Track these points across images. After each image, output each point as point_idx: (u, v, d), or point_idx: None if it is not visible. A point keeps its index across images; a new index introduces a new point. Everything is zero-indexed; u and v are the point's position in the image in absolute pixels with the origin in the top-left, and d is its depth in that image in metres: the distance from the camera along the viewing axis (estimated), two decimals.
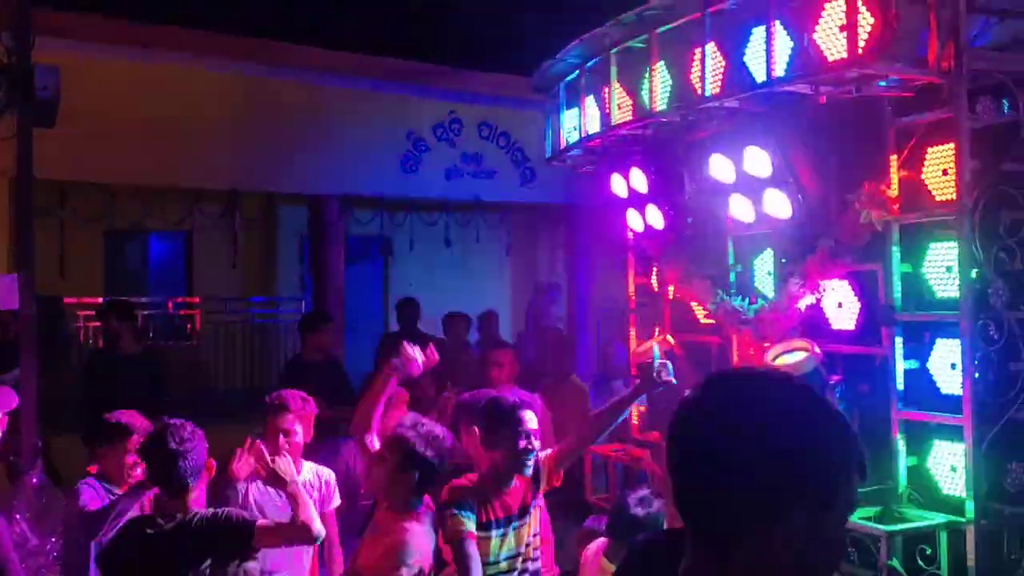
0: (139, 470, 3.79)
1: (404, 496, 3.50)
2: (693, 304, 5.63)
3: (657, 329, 5.82)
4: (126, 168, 9.39)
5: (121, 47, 9.21)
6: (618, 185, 5.61)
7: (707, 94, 4.46)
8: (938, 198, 4.13)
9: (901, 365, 4.22)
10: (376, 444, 3.84)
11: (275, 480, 3.48)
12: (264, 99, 10.22)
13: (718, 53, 4.44)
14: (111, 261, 11.82)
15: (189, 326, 11.69)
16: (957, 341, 3.97)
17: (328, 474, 4.35)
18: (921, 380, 4.19)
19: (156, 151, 9.41)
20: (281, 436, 4.11)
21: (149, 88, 9.46)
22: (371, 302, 13.11)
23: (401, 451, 3.49)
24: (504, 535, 3.61)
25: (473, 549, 3.41)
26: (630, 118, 5.08)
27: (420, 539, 3.40)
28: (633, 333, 6.15)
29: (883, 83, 4.01)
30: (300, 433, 4.18)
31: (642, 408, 6.00)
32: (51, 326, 8.79)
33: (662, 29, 4.74)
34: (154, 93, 9.48)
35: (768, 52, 4.07)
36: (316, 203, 11.17)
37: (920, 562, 3.99)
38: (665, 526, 3.80)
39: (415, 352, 3.97)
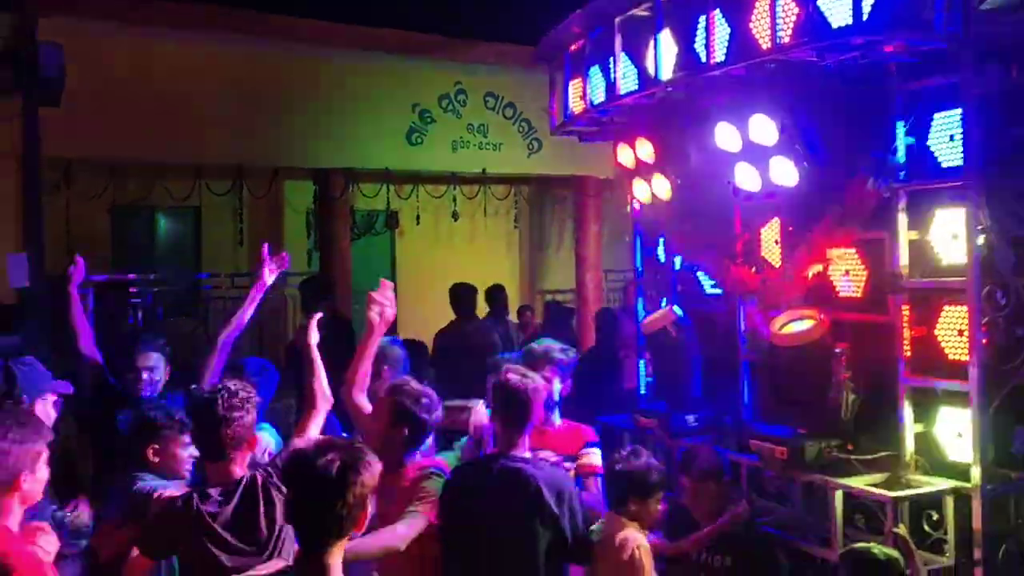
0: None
1: (395, 454, 3.55)
2: (700, 274, 5.64)
3: (664, 300, 5.83)
4: (132, 145, 9.40)
5: (125, 23, 9.18)
6: (624, 155, 5.59)
7: (712, 62, 4.44)
8: (944, 164, 4.11)
9: (908, 332, 4.23)
10: (367, 406, 3.89)
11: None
12: (269, 74, 10.20)
13: (723, 20, 4.41)
14: (118, 238, 11.85)
15: (197, 302, 11.73)
16: (964, 307, 3.97)
17: None
18: (927, 347, 4.20)
19: (162, 127, 9.41)
20: None
21: (154, 64, 9.45)
22: (378, 276, 13.12)
23: (392, 409, 3.55)
24: None
25: (424, 511, 3.45)
26: (635, 88, 5.06)
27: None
28: (641, 304, 6.16)
29: (889, 49, 3.98)
30: None
31: (649, 378, 6.03)
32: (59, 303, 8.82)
33: None
34: (159, 69, 9.47)
35: (773, 19, 4.04)
36: (322, 177, 11.17)
37: (927, 527, 4.02)
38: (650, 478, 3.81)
39: (385, 294, 4.00)
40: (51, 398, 3.60)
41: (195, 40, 9.69)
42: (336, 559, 2.40)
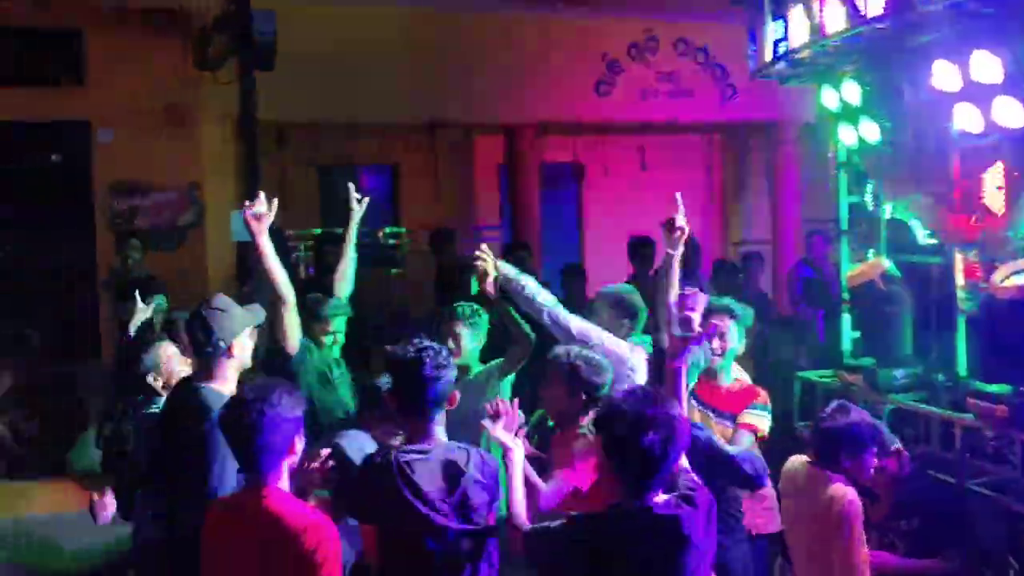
0: None
1: (574, 419, 3.64)
2: (912, 223, 5.32)
3: (871, 251, 5.56)
4: (336, 105, 9.84)
5: None
6: (829, 98, 5.35)
7: None
8: None
9: None
10: None
11: None
12: (460, 31, 10.38)
13: None
14: (325, 194, 12.49)
15: (396, 255, 12.20)
16: None
17: None
18: None
19: (362, 88, 9.80)
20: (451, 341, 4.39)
21: (354, 26, 9.82)
22: (565, 229, 13.22)
23: (566, 375, 3.63)
24: None
25: None
26: (843, 26, 4.79)
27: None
28: (845, 255, 5.90)
29: None
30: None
31: (856, 334, 5.79)
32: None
33: None
34: (359, 31, 9.84)
35: None
36: (511, 132, 11.30)
37: None
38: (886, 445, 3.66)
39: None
40: (247, 331, 3.63)
41: (389, 2, 9.98)
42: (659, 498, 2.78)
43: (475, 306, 4.65)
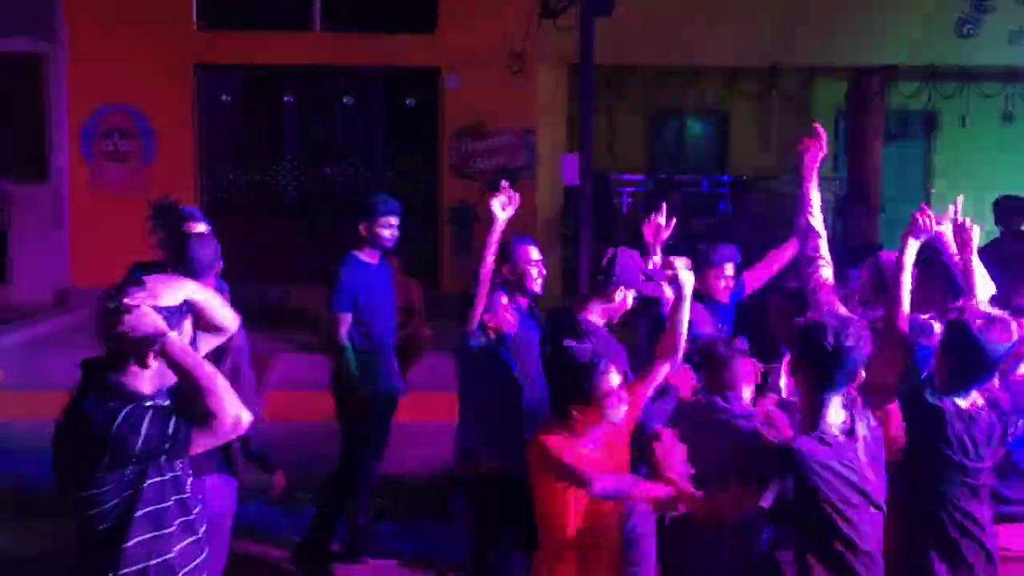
0: None
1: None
2: None
3: None
4: (669, 50, 9.74)
5: None
6: None
7: None
8: None
9: None
10: None
11: None
12: None
13: None
14: (653, 140, 12.48)
15: (721, 204, 11.94)
16: None
17: None
18: None
19: (697, 31, 9.60)
20: None
21: None
22: (909, 183, 12.23)
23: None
24: None
25: None
26: None
27: None
28: None
29: None
30: None
31: None
32: (600, 200, 9.60)
33: None
34: None
35: None
36: (856, 76, 10.58)
37: None
38: None
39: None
40: (633, 292, 3.78)
41: None
42: None
43: None
